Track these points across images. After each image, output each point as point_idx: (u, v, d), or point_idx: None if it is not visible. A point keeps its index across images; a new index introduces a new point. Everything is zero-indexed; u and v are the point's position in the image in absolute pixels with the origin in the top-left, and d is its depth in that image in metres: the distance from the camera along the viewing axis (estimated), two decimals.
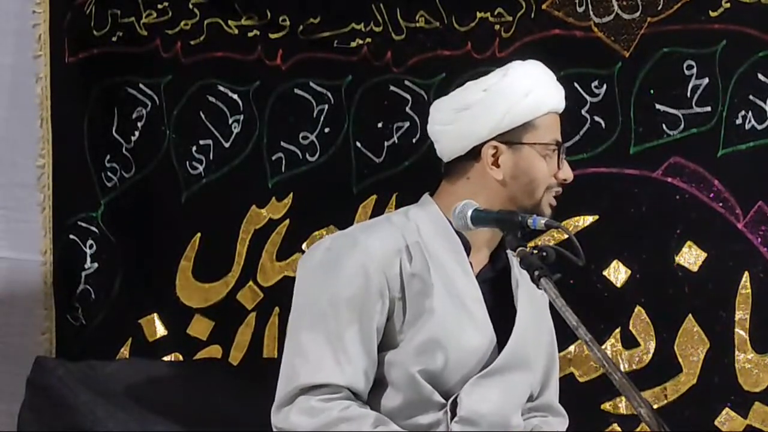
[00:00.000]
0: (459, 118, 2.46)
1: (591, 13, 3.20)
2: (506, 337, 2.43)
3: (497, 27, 3.25)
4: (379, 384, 2.39)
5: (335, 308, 2.35)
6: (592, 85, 3.20)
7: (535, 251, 2.20)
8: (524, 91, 2.44)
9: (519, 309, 2.47)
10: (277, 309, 3.35)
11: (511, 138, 2.43)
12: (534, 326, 2.52)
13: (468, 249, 2.45)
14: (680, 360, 3.15)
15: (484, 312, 2.42)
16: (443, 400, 2.38)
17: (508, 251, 2.45)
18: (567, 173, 2.46)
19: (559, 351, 3.12)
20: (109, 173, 3.53)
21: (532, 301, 2.52)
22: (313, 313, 2.38)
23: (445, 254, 2.43)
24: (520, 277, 2.50)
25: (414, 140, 3.29)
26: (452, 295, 2.40)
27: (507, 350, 2.42)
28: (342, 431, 2.30)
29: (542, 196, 2.44)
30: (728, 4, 3.09)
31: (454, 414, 2.38)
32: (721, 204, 3.13)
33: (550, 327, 2.62)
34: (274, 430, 2.38)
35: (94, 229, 3.54)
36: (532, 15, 3.23)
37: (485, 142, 2.43)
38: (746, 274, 3.11)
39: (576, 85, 3.20)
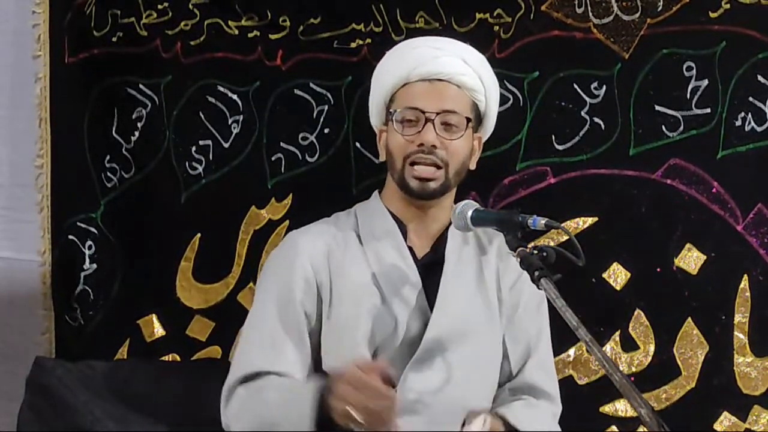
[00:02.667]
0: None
1: (590, 14, 3.20)
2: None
3: (496, 28, 3.25)
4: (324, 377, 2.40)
5: (264, 304, 2.45)
6: (592, 86, 3.20)
7: (535, 251, 2.20)
8: (379, 74, 2.54)
9: (441, 288, 2.46)
10: None
11: (386, 119, 2.53)
12: (475, 306, 2.50)
13: (405, 232, 2.49)
14: (679, 363, 3.14)
15: (417, 295, 2.43)
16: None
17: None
18: (422, 137, 2.44)
19: (559, 353, 3.14)
20: (108, 173, 3.53)
21: (485, 283, 2.53)
22: (251, 315, 2.49)
23: (381, 240, 2.48)
24: (452, 259, 2.51)
25: None
26: (385, 280, 2.43)
27: (431, 329, 2.42)
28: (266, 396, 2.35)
29: (403, 167, 2.46)
30: (728, 6, 3.09)
31: None
32: (720, 206, 3.13)
33: (533, 309, 2.60)
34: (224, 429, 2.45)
35: (93, 229, 3.54)
36: (531, 16, 3.23)
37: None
38: (745, 276, 3.11)
39: (575, 86, 3.20)
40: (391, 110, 2.50)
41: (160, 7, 3.49)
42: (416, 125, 2.45)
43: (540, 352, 2.61)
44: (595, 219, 3.20)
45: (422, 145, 2.44)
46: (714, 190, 3.13)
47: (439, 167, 2.46)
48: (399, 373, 2.39)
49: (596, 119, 3.20)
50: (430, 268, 2.49)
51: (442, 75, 2.47)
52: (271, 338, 2.41)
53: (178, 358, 3.46)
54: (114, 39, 3.52)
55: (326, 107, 3.38)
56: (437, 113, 2.45)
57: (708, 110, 3.13)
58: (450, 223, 2.51)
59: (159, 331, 3.49)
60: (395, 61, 2.51)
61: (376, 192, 2.60)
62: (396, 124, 2.47)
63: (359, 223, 2.51)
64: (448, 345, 2.43)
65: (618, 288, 3.19)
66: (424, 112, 2.44)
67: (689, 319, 3.14)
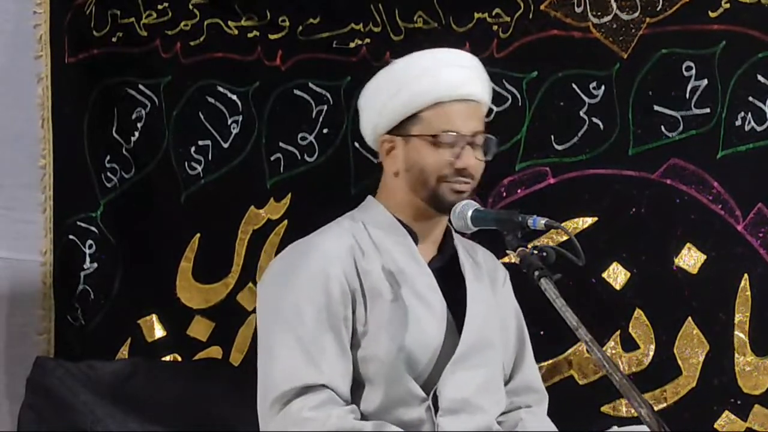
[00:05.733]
0: (361, 117, 2.54)
1: (589, 13, 3.20)
2: (464, 321, 2.44)
3: (495, 27, 3.25)
4: (358, 385, 2.39)
5: (301, 312, 2.36)
6: (591, 86, 3.19)
7: (535, 251, 2.20)
8: (400, 85, 2.45)
9: (469, 292, 2.47)
10: None
11: (402, 131, 2.45)
12: (492, 307, 2.52)
13: (416, 240, 2.48)
14: (680, 362, 3.14)
15: (439, 299, 2.43)
16: (423, 394, 2.37)
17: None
18: (465, 161, 2.42)
19: (559, 353, 3.14)
20: (109, 173, 3.53)
21: (492, 285, 2.55)
22: (281, 321, 2.39)
23: (395, 247, 2.46)
24: (467, 263, 2.52)
25: None
26: (407, 286, 2.42)
27: (466, 334, 2.43)
28: None
29: (435, 186, 2.43)
30: (728, 5, 3.09)
31: (437, 408, 2.38)
32: (720, 206, 3.12)
33: (516, 308, 2.64)
34: None
35: (93, 229, 3.55)
36: (530, 15, 3.22)
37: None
38: (746, 276, 3.09)
39: (574, 86, 3.20)
40: (415, 126, 2.43)
41: (159, 7, 3.49)
42: (452, 147, 2.43)
43: (528, 350, 2.64)
44: (595, 219, 3.20)
45: (463, 170, 2.42)
46: (714, 190, 3.12)
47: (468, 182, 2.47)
48: (429, 374, 2.39)
49: (595, 119, 3.20)
50: (441, 272, 2.49)
51: (473, 96, 2.47)
52: (315, 347, 2.34)
53: (179, 359, 3.46)
54: (114, 39, 3.53)
55: (325, 107, 3.38)
56: (472, 135, 2.45)
57: (707, 110, 3.12)
58: (447, 227, 2.53)
59: (159, 331, 3.49)
60: (425, 78, 2.44)
61: (371, 198, 2.55)
62: (428, 143, 2.43)
63: (369, 229, 2.49)
64: (480, 348, 2.45)
65: (618, 288, 3.18)
66: (463, 136, 2.43)
67: (689, 318, 3.13)
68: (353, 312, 2.39)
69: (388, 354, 2.37)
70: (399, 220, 2.49)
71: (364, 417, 2.37)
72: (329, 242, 2.45)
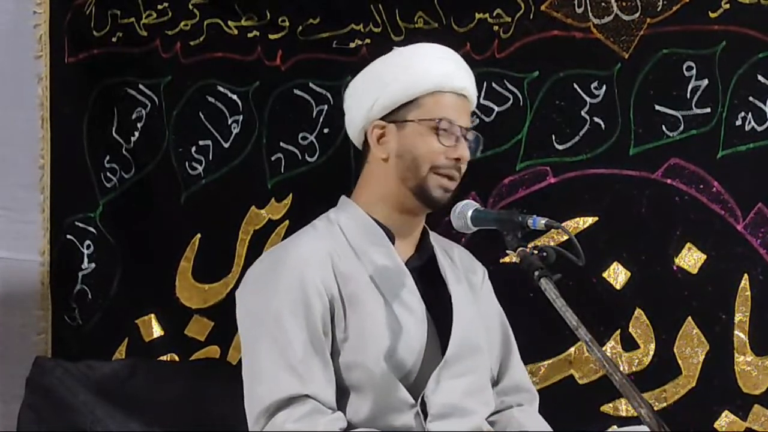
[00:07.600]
0: (350, 105, 2.54)
1: (590, 14, 3.20)
2: (443, 322, 2.44)
3: (496, 28, 3.26)
4: (343, 392, 2.38)
5: (279, 320, 2.35)
6: (592, 86, 3.19)
7: (535, 251, 2.20)
8: (400, 70, 2.47)
9: (453, 295, 2.48)
10: None
11: (397, 117, 2.46)
12: (474, 309, 2.52)
13: (393, 239, 2.47)
14: (680, 362, 3.14)
15: (418, 301, 2.43)
16: (412, 399, 2.37)
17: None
18: (460, 152, 2.43)
19: (559, 353, 3.15)
20: (108, 174, 3.53)
21: (471, 286, 2.56)
22: (260, 331, 2.38)
23: (372, 248, 2.45)
24: (446, 264, 2.53)
25: None
26: (387, 287, 2.41)
27: (455, 339, 2.43)
28: None
29: (426, 174, 2.43)
30: (728, 5, 3.09)
31: (425, 413, 2.37)
32: (720, 205, 3.12)
33: (499, 310, 2.65)
34: None
35: (91, 229, 3.54)
36: (531, 16, 3.23)
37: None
38: (746, 276, 3.10)
39: (575, 86, 3.20)
40: (412, 111, 2.45)
41: (159, 7, 3.49)
42: (449, 136, 2.44)
43: (514, 349, 2.65)
44: (595, 219, 3.20)
45: (458, 160, 2.43)
46: (714, 189, 3.13)
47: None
48: (414, 377, 2.39)
49: (596, 119, 3.20)
50: (419, 272, 2.49)
51: (466, 91, 2.49)
52: (296, 357, 2.33)
53: (177, 358, 3.46)
54: (114, 39, 3.53)
55: (326, 107, 3.38)
56: (467, 129, 2.46)
57: (708, 110, 3.12)
58: (424, 226, 2.54)
59: (157, 331, 3.49)
60: (426, 65, 2.47)
61: (345, 198, 2.55)
62: (427, 128, 2.44)
63: (345, 231, 2.49)
64: (468, 352, 2.45)
65: (618, 287, 3.18)
66: (460, 127, 2.44)
67: (689, 318, 3.13)
68: (332, 318, 2.39)
69: (376, 361, 2.36)
70: (374, 219, 2.48)
71: (352, 426, 2.36)
72: (306, 247, 2.44)
